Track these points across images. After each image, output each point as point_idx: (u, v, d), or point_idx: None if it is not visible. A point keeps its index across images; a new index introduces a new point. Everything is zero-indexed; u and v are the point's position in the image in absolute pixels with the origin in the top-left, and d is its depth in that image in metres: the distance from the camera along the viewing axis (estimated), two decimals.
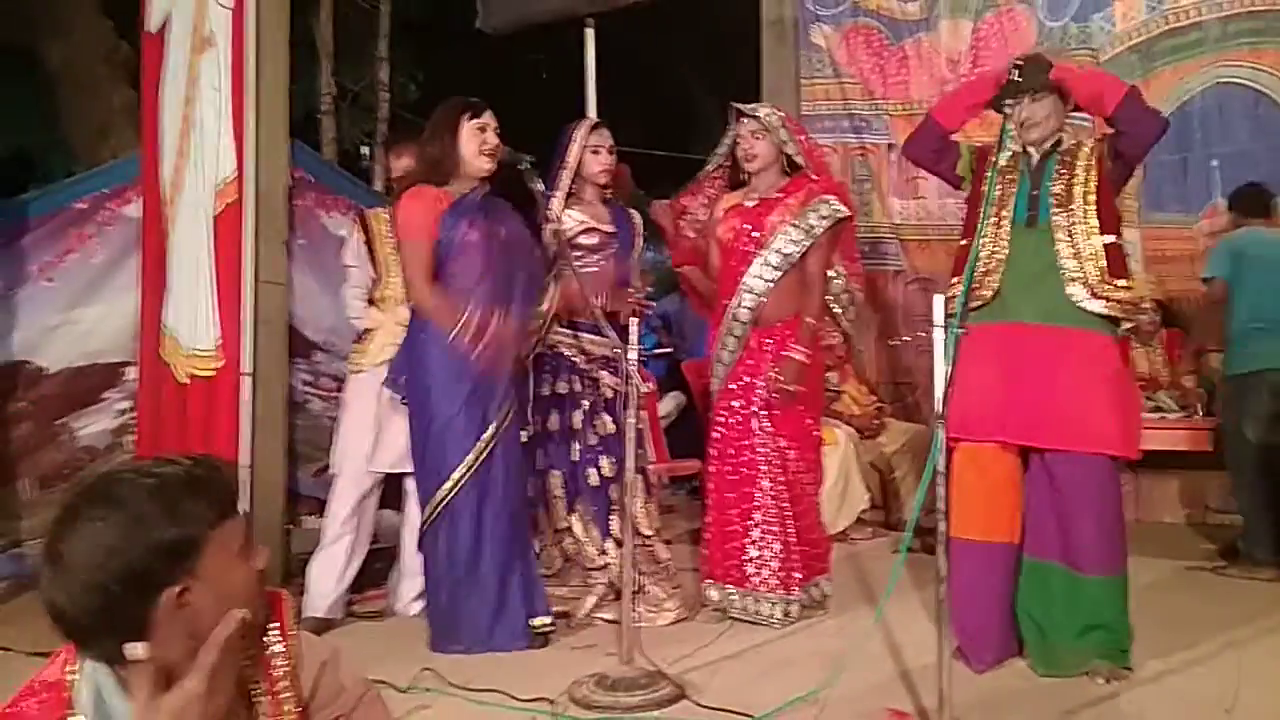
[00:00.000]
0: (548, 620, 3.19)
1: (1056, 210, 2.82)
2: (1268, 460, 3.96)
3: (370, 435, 3.43)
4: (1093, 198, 2.80)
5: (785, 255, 3.35)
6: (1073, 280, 2.77)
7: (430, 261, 3.11)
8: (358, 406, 3.47)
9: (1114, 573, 2.73)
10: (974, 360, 2.73)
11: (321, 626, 3.25)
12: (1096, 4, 5.20)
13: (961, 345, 2.80)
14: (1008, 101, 2.70)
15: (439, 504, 3.11)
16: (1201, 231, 4.81)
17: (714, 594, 3.42)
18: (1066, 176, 2.84)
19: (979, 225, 2.70)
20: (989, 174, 2.81)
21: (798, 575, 3.34)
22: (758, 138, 3.42)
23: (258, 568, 1.23)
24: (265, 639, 1.30)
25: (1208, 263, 4.20)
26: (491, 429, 3.11)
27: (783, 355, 3.34)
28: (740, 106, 3.50)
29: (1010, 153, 2.95)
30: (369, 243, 3.63)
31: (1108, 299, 2.75)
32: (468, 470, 3.10)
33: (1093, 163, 2.84)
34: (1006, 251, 2.84)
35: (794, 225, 3.35)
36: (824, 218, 3.37)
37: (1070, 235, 2.79)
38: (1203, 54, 5.02)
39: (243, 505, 1.25)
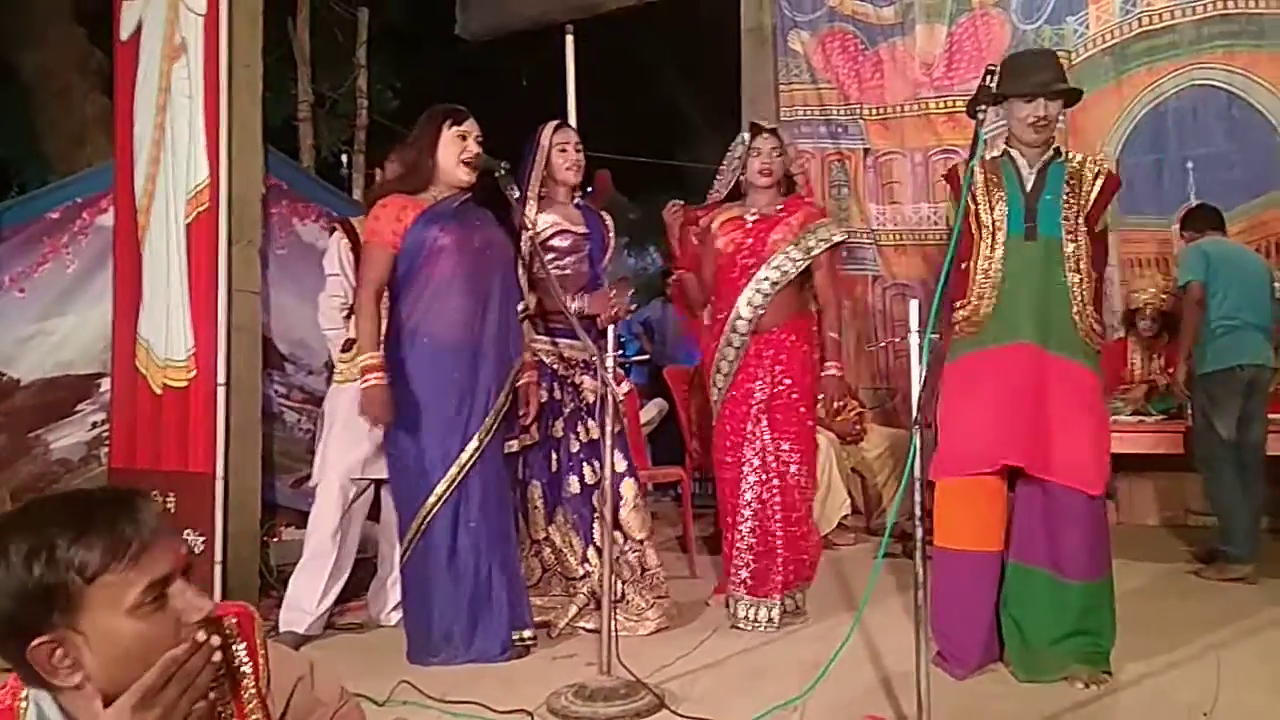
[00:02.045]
0: (529, 633, 3.17)
1: (1069, 234, 2.74)
2: (1240, 456, 3.99)
3: (359, 446, 3.38)
4: (1085, 229, 2.76)
5: (784, 273, 3.45)
6: (1072, 304, 2.73)
7: (385, 271, 3.09)
8: (347, 417, 3.40)
9: (1098, 577, 2.74)
10: (971, 393, 2.72)
11: (300, 643, 3.21)
12: (1070, 7, 5.23)
13: (957, 374, 2.77)
14: (980, 106, 2.58)
15: (422, 520, 3.09)
16: (1176, 235, 4.83)
17: (731, 600, 3.45)
18: (1075, 200, 2.76)
19: (952, 238, 2.55)
20: (964, 179, 2.72)
21: (778, 579, 3.37)
22: (776, 154, 3.49)
23: (188, 620, 1.14)
24: (232, 658, 1.27)
25: (1181, 268, 4.22)
26: (474, 444, 3.08)
27: (823, 378, 3.51)
28: (760, 123, 3.59)
29: (984, 158, 2.85)
30: (355, 250, 3.57)
31: (1089, 329, 2.75)
32: (449, 486, 3.07)
33: (1095, 191, 2.77)
34: (1002, 270, 2.76)
35: (794, 245, 3.45)
36: (823, 240, 3.49)
37: (1077, 263, 2.74)
38: (1177, 56, 5.06)
39: (160, 555, 1.12)
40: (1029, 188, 2.78)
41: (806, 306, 3.59)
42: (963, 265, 2.81)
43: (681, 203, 3.74)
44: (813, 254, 3.46)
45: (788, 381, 3.43)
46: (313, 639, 3.32)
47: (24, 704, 1.15)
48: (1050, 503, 2.73)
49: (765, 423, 3.42)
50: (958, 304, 2.82)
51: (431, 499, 3.07)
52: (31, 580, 1.06)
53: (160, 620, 1.12)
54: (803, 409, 3.46)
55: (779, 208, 3.51)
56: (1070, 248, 2.74)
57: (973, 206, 2.78)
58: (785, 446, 3.41)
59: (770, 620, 3.34)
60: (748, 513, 3.40)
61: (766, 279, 3.43)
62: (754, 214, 3.52)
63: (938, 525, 2.79)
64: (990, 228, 2.78)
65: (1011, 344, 2.74)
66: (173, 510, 3.56)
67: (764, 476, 3.40)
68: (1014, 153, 2.82)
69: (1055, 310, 2.73)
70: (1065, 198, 2.75)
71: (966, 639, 2.79)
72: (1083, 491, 2.69)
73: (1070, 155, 2.84)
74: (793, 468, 3.42)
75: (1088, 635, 2.73)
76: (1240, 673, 2.77)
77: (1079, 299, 2.73)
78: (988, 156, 2.87)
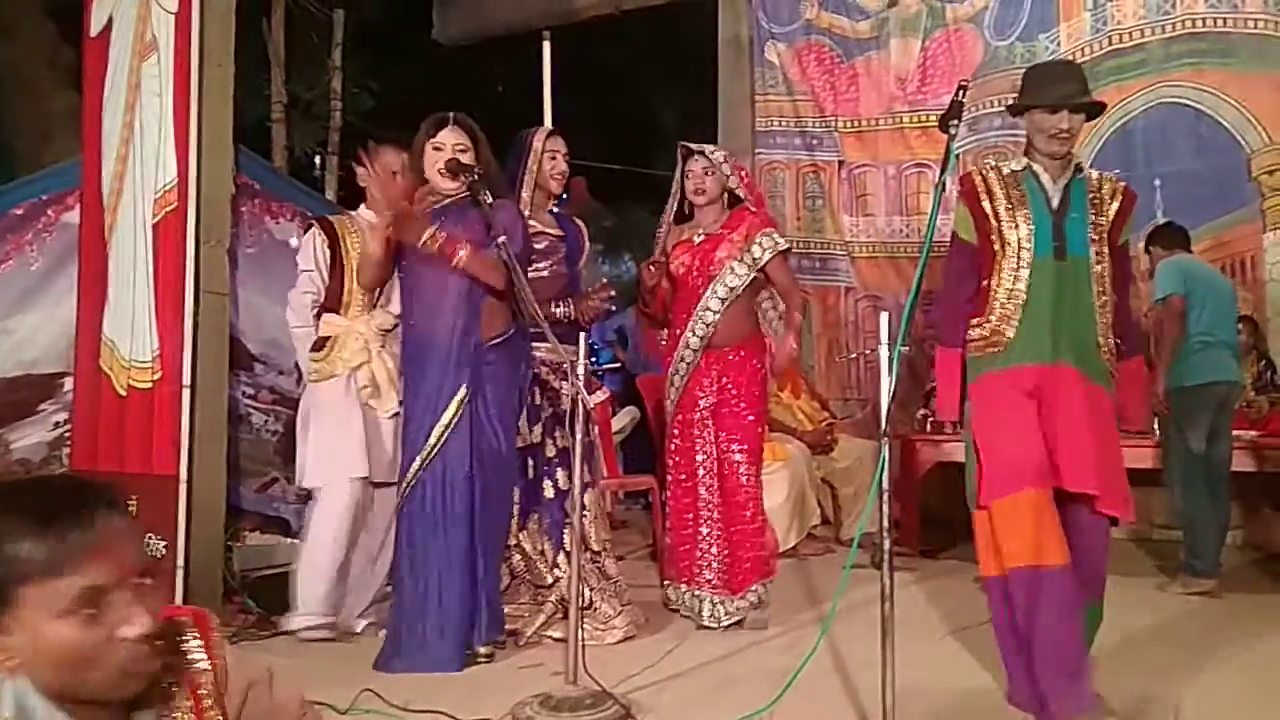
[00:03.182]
0: (485, 650, 3.14)
1: (1096, 254, 2.60)
2: (1210, 471, 4.03)
3: (357, 442, 3.38)
4: (1108, 248, 2.64)
5: (731, 288, 3.56)
6: (1100, 331, 2.60)
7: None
8: (337, 414, 3.40)
9: (1100, 600, 2.68)
10: (1010, 410, 2.57)
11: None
12: (1042, 24, 5.30)
13: (986, 393, 2.60)
14: (953, 121, 2.50)
15: (396, 523, 3.14)
16: (1142, 252, 4.88)
17: (670, 594, 3.66)
18: (1098, 219, 2.63)
19: (923, 250, 2.47)
20: (934, 195, 2.65)
21: (739, 578, 3.47)
22: (708, 174, 3.59)
23: (123, 635, 1.12)
24: (190, 657, 1.27)
25: (1160, 283, 4.17)
26: (425, 451, 3.07)
27: (783, 347, 3.58)
28: (690, 145, 3.67)
29: (1004, 171, 2.69)
30: (332, 247, 3.53)
31: (1109, 351, 2.64)
32: (408, 486, 3.10)
33: (1114, 209, 2.66)
34: (1026, 295, 2.58)
35: (738, 260, 3.56)
36: (766, 250, 3.56)
37: (1104, 284, 2.61)
38: (1146, 74, 5.13)
39: (104, 564, 1.10)
40: (1055, 204, 2.63)
41: (757, 323, 3.71)
42: (983, 282, 2.66)
43: (653, 260, 3.77)
44: (759, 264, 3.56)
45: (733, 390, 3.56)
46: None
47: None
48: (1080, 528, 2.57)
49: (712, 427, 3.55)
50: (974, 321, 2.67)
51: (401, 500, 3.13)
52: None
53: (89, 631, 1.10)
54: (750, 417, 3.56)
55: (723, 225, 3.62)
56: (1098, 268, 2.61)
57: (994, 223, 2.63)
58: (733, 450, 3.53)
59: (736, 615, 3.46)
60: (705, 514, 3.54)
61: (715, 296, 3.55)
62: (700, 234, 3.65)
63: (1005, 546, 2.51)
64: (1015, 246, 2.61)
65: (1050, 364, 2.57)
66: (135, 513, 3.51)
67: (715, 481, 3.54)
68: (1037, 167, 2.66)
69: (1083, 332, 2.60)
70: (1091, 216, 2.63)
71: (1066, 662, 2.47)
72: (1115, 519, 2.60)
73: (1088, 172, 2.74)
74: (742, 468, 3.52)
75: None
76: (1202, 689, 2.78)
77: (1103, 321, 2.61)
78: (1005, 170, 2.69)
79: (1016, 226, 2.62)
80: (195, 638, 1.29)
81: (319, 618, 3.36)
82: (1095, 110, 2.69)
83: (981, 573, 2.59)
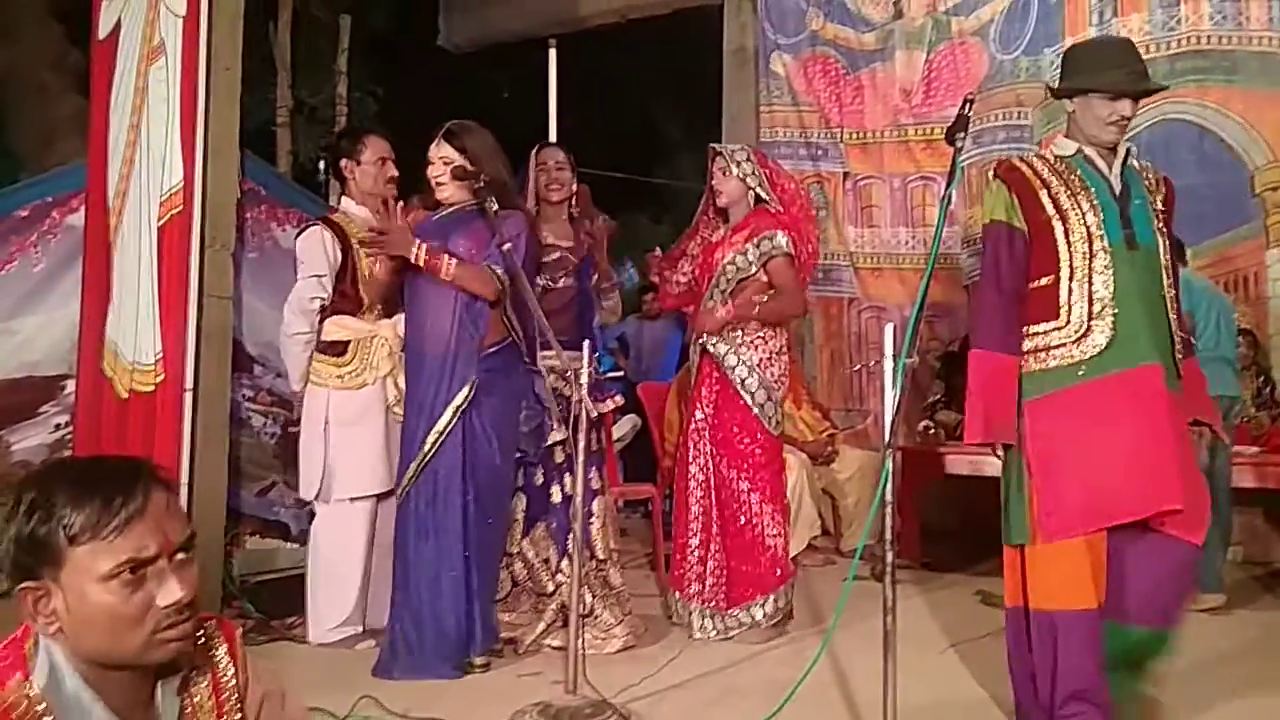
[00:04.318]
0: (482, 660, 3.12)
1: (1163, 243, 2.42)
2: (1210, 485, 4.02)
3: (385, 455, 3.39)
4: (1166, 241, 2.46)
5: (723, 291, 3.56)
6: (1173, 322, 2.40)
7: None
8: (368, 424, 3.41)
9: (1174, 628, 2.51)
10: (1096, 430, 2.32)
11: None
12: (1047, 38, 5.29)
13: (1067, 409, 2.34)
14: (958, 134, 2.35)
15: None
16: None
17: (669, 601, 3.70)
18: (1157, 207, 2.45)
19: (932, 251, 2.38)
20: (939, 207, 2.52)
21: (734, 593, 3.47)
22: (725, 175, 3.60)
23: (160, 603, 1.18)
24: (213, 653, 1.33)
25: None
26: (429, 443, 3.07)
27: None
28: (715, 146, 3.69)
29: (1047, 157, 2.48)
30: (344, 249, 3.49)
31: (1182, 350, 2.43)
32: (401, 494, 3.12)
33: (1163, 201, 2.49)
34: (1113, 292, 2.34)
35: (731, 263, 3.55)
36: (763, 253, 3.52)
37: (1174, 275, 2.43)
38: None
39: (146, 534, 1.17)
40: (1117, 190, 2.40)
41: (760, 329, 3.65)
42: (1042, 282, 2.41)
43: (657, 254, 3.89)
44: (753, 266, 3.51)
45: (723, 402, 3.53)
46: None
47: (32, 645, 1.21)
48: (1152, 552, 2.37)
49: (708, 440, 3.55)
50: (1040, 327, 2.40)
51: (397, 505, 3.15)
52: (26, 529, 1.16)
53: (130, 598, 1.16)
54: (737, 428, 3.51)
55: (734, 227, 3.61)
56: (1164, 258, 2.40)
57: (1052, 212, 2.38)
58: (727, 461, 3.50)
59: (726, 632, 3.46)
60: (694, 526, 3.56)
61: (711, 297, 3.58)
62: (719, 236, 3.66)
63: (1046, 587, 2.37)
64: (1084, 237, 2.36)
65: (1137, 367, 2.33)
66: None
67: (707, 492, 3.54)
68: (1089, 152, 2.43)
69: (1164, 328, 2.39)
70: (1147, 195, 2.44)
71: (1092, 697, 2.37)
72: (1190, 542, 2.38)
73: (1135, 164, 2.53)
74: (740, 484, 3.48)
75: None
76: (1205, 709, 2.77)
77: (1175, 315, 2.41)
78: (1051, 155, 2.47)
79: (1083, 215, 2.36)
80: (220, 639, 1.35)
81: (352, 627, 3.38)
82: (1145, 93, 2.49)
83: (1006, 603, 2.48)
